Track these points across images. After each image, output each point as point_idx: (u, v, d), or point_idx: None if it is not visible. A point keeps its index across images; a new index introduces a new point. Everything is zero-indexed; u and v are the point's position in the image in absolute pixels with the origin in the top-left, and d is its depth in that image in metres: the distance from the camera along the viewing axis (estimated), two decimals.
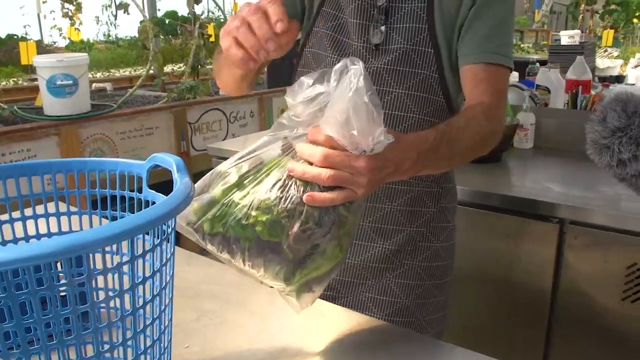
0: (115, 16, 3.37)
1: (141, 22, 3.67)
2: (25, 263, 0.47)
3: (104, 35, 9.49)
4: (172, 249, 0.66)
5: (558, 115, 2.26)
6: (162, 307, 0.65)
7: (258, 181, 0.77)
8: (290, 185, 0.76)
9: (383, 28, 1.12)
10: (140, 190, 0.80)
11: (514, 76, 3.12)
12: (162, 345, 0.68)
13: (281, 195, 0.75)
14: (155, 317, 0.64)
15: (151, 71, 5.52)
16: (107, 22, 9.12)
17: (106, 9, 8.83)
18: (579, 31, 5.76)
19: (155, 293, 0.62)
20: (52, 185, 0.84)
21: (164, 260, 0.63)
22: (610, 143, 0.70)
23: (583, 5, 9.79)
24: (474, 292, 1.79)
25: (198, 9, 3.88)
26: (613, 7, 9.64)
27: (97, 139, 2.84)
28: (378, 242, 1.20)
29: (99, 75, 6.05)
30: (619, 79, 4.54)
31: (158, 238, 0.61)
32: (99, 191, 0.84)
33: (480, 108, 1.05)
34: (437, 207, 1.22)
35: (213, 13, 6.23)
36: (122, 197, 0.82)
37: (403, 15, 1.11)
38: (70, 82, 2.95)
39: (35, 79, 5.36)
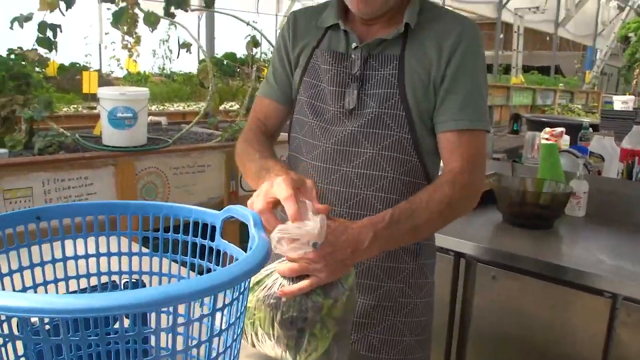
0: (178, 54, 3.50)
1: (201, 61, 3.81)
2: (125, 310, 0.49)
3: (159, 68, 9.87)
4: (245, 303, 0.68)
5: (613, 184, 2.23)
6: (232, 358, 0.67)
7: (260, 286, 0.94)
8: (273, 285, 0.92)
9: (355, 93, 1.21)
10: (212, 239, 0.84)
11: (565, 140, 3.10)
12: None
13: (267, 294, 0.92)
14: None
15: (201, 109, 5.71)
16: (163, 56, 9.51)
17: (163, 43, 9.22)
18: (632, 97, 5.69)
19: (228, 345, 0.65)
20: (129, 226, 0.89)
21: (238, 314, 0.65)
22: None
23: (637, 70, 9.69)
24: (518, 359, 1.75)
25: (256, 51, 4.01)
26: None
27: (151, 172, 2.92)
28: (359, 298, 1.25)
29: (154, 107, 6.26)
30: None
31: (236, 292, 0.64)
32: (171, 235, 0.88)
33: (447, 177, 1.14)
34: (416, 264, 1.29)
35: (266, 55, 6.42)
36: (191, 242, 0.85)
37: (376, 82, 1.21)
38: (130, 115, 3.07)
39: (94, 107, 5.59)
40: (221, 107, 4.41)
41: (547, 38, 15.28)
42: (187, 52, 3.37)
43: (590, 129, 3.21)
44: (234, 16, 3.52)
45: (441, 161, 1.24)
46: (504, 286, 1.76)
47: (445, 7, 1.19)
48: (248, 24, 3.50)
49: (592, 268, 1.62)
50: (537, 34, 14.69)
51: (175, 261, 0.88)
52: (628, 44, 9.90)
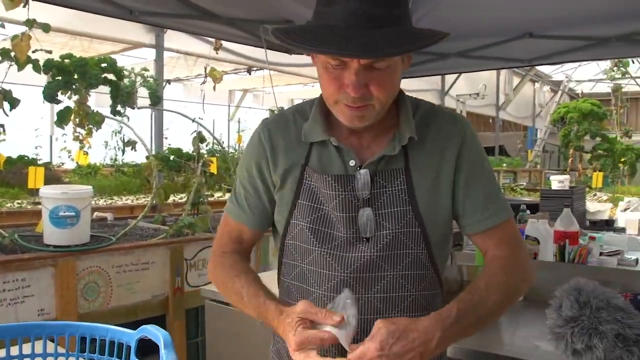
0: (123, 151, 3.54)
1: (147, 157, 3.83)
2: None
3: (111, 159, 9.81)
4: None
5: (547, 267, 2.30)
6: None
7: None
8: None
9: (372, 219, 1.16)
10: (127, 358, 0.83)
11: None
12: None
13: None
14: None
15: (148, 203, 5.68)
16: (115, 147, 9.49)
17: (115, 135, 9.24)
18: (568, 176, 5.99)
19: None
20: (42, 348, 0.87)
21: None
22: (564, 332, 0.73)
23: (572, 151, 10.25)
24: None
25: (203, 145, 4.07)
26: (600, 152, 10.12)
27: (93, 272, 2.86)
28: None
29: (101, 202, 6.19)
30: (609, 222, 4.63)
31: None
32: (87, 355, 0.86)
33: (497, 263, 1.15)
34: None
35: (216, 149, 6.50)
36: None
37: (386, 199, 1.16)
38: (73, 213, 3.03)
39: (39, 203, 5.49)
40: (170, 200, 4.41)
41: (490, 120, 16.05)
42: (132, 149, 3.39)
43: (528, 211, 3.33)
44: (179, 113, 3.60)
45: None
46: None
47: None
48: (194, 120, 3.58)
49: (528, 356, 1.64)
50: (480, 116, 15.43)
51: None
52: (563, 124, 10.52)
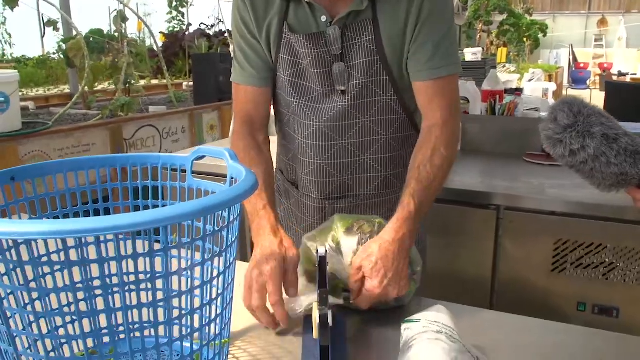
0: (43, 32, 3.32)
1: (66, 39, 3.64)
2: (134, 228, 0.57)
3: None
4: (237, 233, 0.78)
5: (480, 121, 2.54)
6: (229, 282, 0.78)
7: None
8: None
9: (345, 73, 1.22)
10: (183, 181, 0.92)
11: None
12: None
13: None
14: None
15: (67, 90, 5.40)
16: (1, 41, 8.71)
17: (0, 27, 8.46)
18: (480, 49, 6.27)
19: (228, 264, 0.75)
20: (97, 179, 0.94)
21: (230, 242, 0.76)
22: (563, 137, 0.88)
23: (480, 26, 10.63)
24: None
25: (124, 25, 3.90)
26: (507, 27, 10.61)
27: (36, 156, 2.81)
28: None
29: None
30: (518, 90, 5.01)
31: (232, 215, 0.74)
32: (140, 183, 0.94)
33: (436, 135, 1.19)
34: None
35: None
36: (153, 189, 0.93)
37: (356, 52, 1.21)
38: (2, 99, 2.90)
39: None
40: (97, 87, 4.25)
41: None
42: (54, 30, 3.21)
43: None
44: None
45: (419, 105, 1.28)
46: None
47: None
48: None
49: (476, 187, 1.89)
50: None
51: (147, 207, 0.95)
52: (466, 3, 10.80)
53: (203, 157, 0.90)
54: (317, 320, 0.83)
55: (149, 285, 0.85)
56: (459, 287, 1.93)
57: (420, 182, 1.14)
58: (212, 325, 0.76)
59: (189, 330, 0.72)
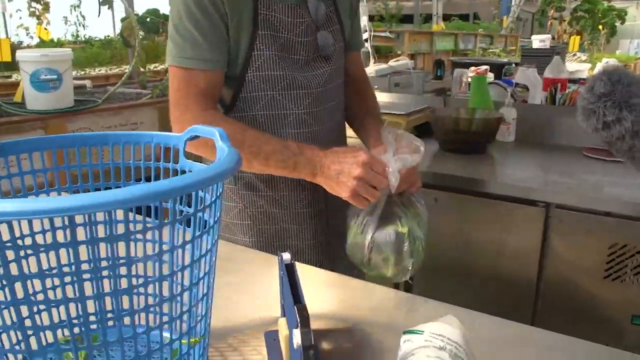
0: (99, 12, 3.35)
1: (123, 19, 3.67)
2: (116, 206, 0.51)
3: (72, 35, 9.37)
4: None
5: (538, 110, 2.36)
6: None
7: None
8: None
9: (330, 38, 1.31)
10: (176, 162, 0.85)
11: (489, 77, 3.24)
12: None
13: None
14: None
15: (127, 70, 5.50)
16: (75, 23, 9.02)
17: (74, 9, 8.74)
18: (549, 36, 5.95)
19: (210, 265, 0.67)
20: (88, 158, 0.89)
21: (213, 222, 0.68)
22: (596, 107, 0.76)
23: (552, 12, 10.10)
24: (462, 274, 1.87)
25: None
26: (580, 14, 9.98)
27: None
28: None
29: (74, 73, 5.97)
30: (583, 79, 4.71)
31: (214, 195, 0.66)
32: (133, 163, 0.88)
33: (371, 92, 1.50)
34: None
35: None
36: (145, 170, 0.87)
37: (325, 22, 1.32)
38: (55, 77, 2.94)
39: (9, 76, 5.28)
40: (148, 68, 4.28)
41: None
42: (108, 8, 3.23)
43: (514, 65, 3.35)
44: None
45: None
46: (445, 207, 1.86)
47: None
48: None
49: (525, 182, 1.73)
50: None
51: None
52: None
53: (197, 137, 0.83)
54: (299, 343, 0.63)
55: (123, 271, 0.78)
56: (501, 286, 1.79)
57: (377, 117, 1.43)
58: (200, 305, 0.68)
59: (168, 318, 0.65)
